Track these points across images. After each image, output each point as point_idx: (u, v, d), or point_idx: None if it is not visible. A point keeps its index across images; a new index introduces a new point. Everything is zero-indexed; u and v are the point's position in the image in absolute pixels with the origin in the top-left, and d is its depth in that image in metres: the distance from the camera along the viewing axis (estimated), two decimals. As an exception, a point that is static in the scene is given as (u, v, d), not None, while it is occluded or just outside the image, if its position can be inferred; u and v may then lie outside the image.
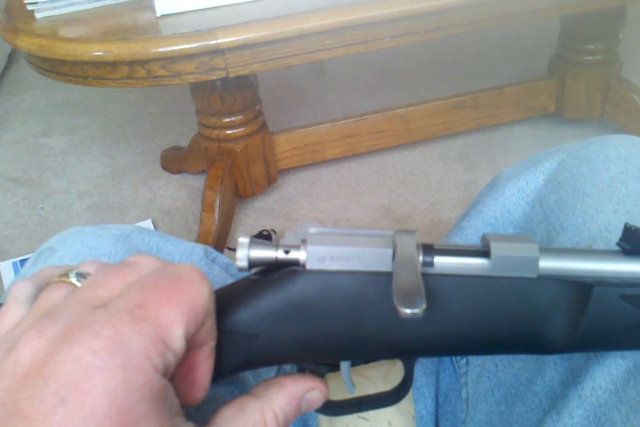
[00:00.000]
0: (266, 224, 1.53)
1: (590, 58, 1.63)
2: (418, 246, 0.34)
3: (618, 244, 0.36)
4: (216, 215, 1.40)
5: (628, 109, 1.65)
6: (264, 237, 1.43)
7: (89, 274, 0.34)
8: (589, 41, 1.62)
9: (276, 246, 0.35)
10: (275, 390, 0.34)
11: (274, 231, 1.46)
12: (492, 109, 1.69)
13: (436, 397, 0.55)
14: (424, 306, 0.29)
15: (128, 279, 0.31)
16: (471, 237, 0.57)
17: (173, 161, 1.73)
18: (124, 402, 0.26)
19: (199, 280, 0.31)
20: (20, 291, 0.34)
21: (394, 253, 0.34)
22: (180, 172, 1.73)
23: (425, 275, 0.34)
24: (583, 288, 0.35)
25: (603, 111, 1.70)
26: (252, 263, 0.35)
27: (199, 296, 0.30)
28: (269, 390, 0.34)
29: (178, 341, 0.29)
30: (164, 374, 0.28)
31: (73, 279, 0.33)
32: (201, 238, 1.38)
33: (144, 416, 0.26)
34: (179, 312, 0.29)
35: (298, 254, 0.35)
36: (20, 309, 0.32)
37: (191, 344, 0.31)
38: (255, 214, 1.57)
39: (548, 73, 1.74)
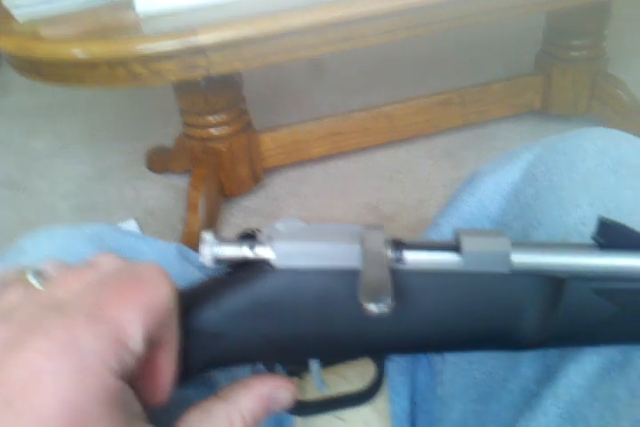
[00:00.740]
0: (252, 224, 1.52)
1: (576, 54, 1.63)
2: (386, 242, 0.34)
3: (593, 238, 0.35)
4: (200, 215, 1.39)
5: (613, 105, 1.65)
6: (249, 237, 1.42)
7: (47, 273, 0.33)
8: (575, 37, 1.61)
9: (242, 243, 0.34)
10: (241, 391, 0.34)
11: (259, 230, 1.45)
12: (479, 106, 1.69)
13: (412, 396, 0.54)
14: (390, 302, 0.29)
15: (87, 279, 0.31)
16: (447, 233, 0.56)
17: (158, 161, 1.72)
18: (75, 405, 0.25)
19: (160, 280, 0.31)
20: None
21: (362, 250, 0.33)
22: (165, 172, 1.72)
23: (395, 271, 0.33)
24: (556, 283, 0.34)
25: (589, 107, 1.70)
26: (218, 260, 0.34)
27: (160, 296, 0.30)
28: (235, 391, 0.34)
29: (136, 342, 0.28)
30: (122, 376, 0.28)
31: (31, 280, 0.32)
32: (185, 239, 1.37)
33: (97, 420, 0.26)
34: (138, 312, 0.29)
35: (264, 251, 0.34)
36: None
37: (153, 344, 0.30)
38: (241, 214, 1.56)
39: (533, 69, 1.74)
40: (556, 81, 1.67)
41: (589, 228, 0.45)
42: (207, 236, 0.34)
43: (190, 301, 0.34)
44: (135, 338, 0.28)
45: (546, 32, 1.67)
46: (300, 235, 0.34)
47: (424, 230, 0.58)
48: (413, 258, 0.34)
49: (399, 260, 0.34)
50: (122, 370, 0.28)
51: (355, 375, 0.52)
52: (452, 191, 0.62)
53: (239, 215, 1.56)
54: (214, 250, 0.34)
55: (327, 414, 0.50)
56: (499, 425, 0.44)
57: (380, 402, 0.52)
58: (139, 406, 0.29)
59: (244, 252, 0.34)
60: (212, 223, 1.44)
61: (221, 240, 0.34)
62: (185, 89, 1.34)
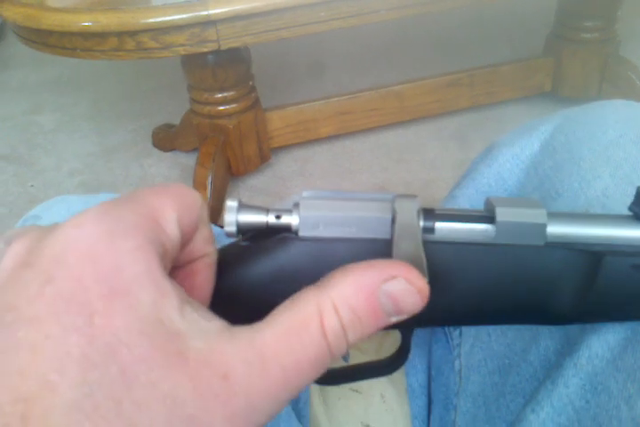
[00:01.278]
0: (259, 202, 1.50)
1: (587, 36, 1.61)
2: (419, 212, 0.32)
3: (630, 208, 0.34)
4: (208, 193, 1.39)
5: (624, 88, 1.63)
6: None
7: None
8: (587, 18, 1.59)
9: (267, 211, 0.33)
10: (337, 276, 0.27)
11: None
12: (488, 88, 1.67)
13: (429, 369, 0.54)
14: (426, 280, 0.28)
15: None
16: (464, 205, 0.55)
17: (165, 139, 1.71)
18: (111, 265, 0.24)
19: (187, 187, 0.30)
20: None
21: (393, 220, 0.32)
22: (171, 149, 1.71)
23: (426, 242, 0.32)
24: (593, 257, 0.33)
25: (599, 90, 1.68)
26: (242, 228, 0.33)
27: (189, 194, 0.29)
28: (332, 276, 0.27)
29: (171, 224, 0.27)
30: (161, 257, 0.26)
31: None
32: (192, 216, 1.36)
33: (137, 282, 0.24)
34: (169, 200, 0.28)
35: (290, 219, 0.32)
36: None
37: (189, 254, 0.30)
38: (248, 193, 1.55)
39: (544, 51, 1.72)
40: (566, 63, 1.65)
41: (611, 199, 0.45)
42: (232, 203, 0.33)
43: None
44: (170, 221, 0.27)
45: (558, 13, 1.65)
46: (327, 204, 0.33)
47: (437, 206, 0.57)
48: (444, 228, 0.33)
49: (430, 230, 0.33)
50: (159, 246, 0.26)
51: (370, 348, 0.51)
52: (459, 173, 0.61)
53: (245, 194, 1.55)
54: (239, 217, 0.33)
55: (343, 386, 0.50)
56: (518, 397, 0.43)
57: (397, 375, 0.52)
58: (186, 295, 0.27)
59: (269, 219, 0.33)
60: (218, 202, 1.44)
61: (246, 208, 0.33)
62: (193, 65, 1.32)
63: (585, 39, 1.62)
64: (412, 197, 0.32)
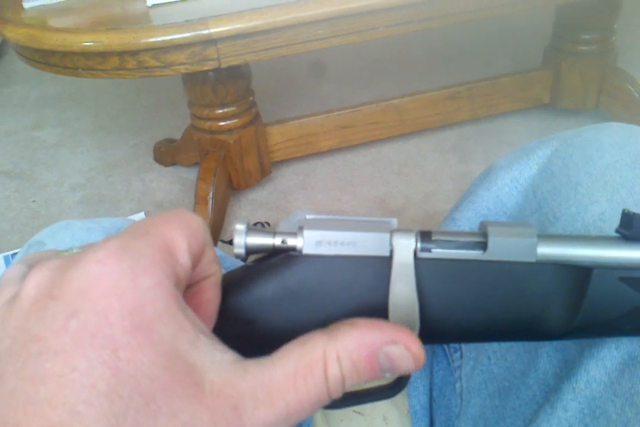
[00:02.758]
0: (260, 216, 1.52)
1: (585, 48, 1.62)
2: (415, 250, 0.34)
3: (617, 230, 0.35)
4: (209, 208, 1.39)
5: (622, 100, 1.64)
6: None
7: None
8: (584, 31, 1.60)
9: (274, 233, 0.35)
10: (346, 329, 0.29)
11: (268, 224, 1.45)
12: (487, 100, 1.68)
13: (430, 391, 0.54)
14: (417, 328, 0.30)
15: None
16: (464, 228, 0.56)
17: (166, 153, 1.72)
18: (135, 302, 0.26)
19: (190, 213, 0.32)
20: (13, 271, 0.33)
21: (391, 255, 0.33)
22: (172, 164, 1.72)
23: (421, 260, 0.34)
24: (582, 271, 0.34)
25: (598, 102, 1.69)
26: (250, 250, 0.35)
27: (193, 220, 0.31)
28: (340, 327, 0.29)
29: (183, 253, 0.29)
30: (176, 286, 0.28)
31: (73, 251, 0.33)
32: (194, 231, 1.37)
33: (158, 319, 0.26)
34: (178, 229, 0.29)
35: (295, 242, 0.34)
36: (16, 286, 0.32)
37: (196, 275, 0.31)
38: (249, 207, 1.56)
39: (542, 63, 1.73)
40: (564, 75, 1.66)
41: (607, 224, 0.45)
42: (240, 226, 0.34)
43: (222, 288, 0.35)
44: (181, 250, 0.29)
45: (556, 26, 1.66)
46: (329, 224, 0.34)
47: (434, 224, 0.58)
48: (440, 252, 0.34)
49: (426, 250, 0.34)
50: (175, 278, 0.28)
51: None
52: (459, 185, 0.62)
53: (247, 208, 1.55)
54: (247, 240, 0.34)
55: (346, 408, 0.50)
56: (518, 420, 0.44)
57: (400, 397, 0.52)
58: (202, 323, 0.29)
59: (275, 242, 0.34)
60: (220, 216, 1.44)
61: (254, 231, 0.35)
62: (194, 81, 1.33)
63: (583, 51, 1.63)
64: (410, 232, 0.34)
